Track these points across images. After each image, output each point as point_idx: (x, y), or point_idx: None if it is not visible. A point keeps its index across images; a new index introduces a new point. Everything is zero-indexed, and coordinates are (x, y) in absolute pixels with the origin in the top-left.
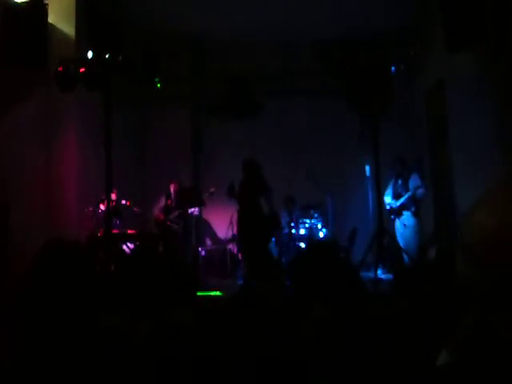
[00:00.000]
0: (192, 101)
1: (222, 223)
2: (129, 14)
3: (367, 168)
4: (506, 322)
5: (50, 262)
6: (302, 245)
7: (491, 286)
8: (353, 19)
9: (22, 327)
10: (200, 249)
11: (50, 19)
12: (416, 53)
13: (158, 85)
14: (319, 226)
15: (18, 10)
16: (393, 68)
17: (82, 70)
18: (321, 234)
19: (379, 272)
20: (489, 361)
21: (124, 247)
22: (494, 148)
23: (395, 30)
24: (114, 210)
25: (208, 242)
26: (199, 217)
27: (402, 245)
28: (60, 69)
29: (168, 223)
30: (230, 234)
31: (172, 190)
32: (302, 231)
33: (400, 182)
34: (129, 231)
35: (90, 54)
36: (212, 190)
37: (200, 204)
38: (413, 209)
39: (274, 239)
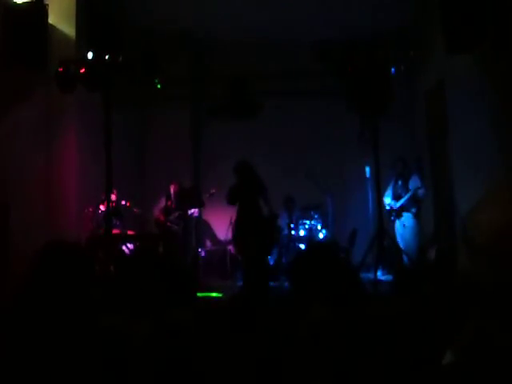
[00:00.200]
0: (192, 101)
1: (222, 224)
2: (129, 14)
3: (367, 169)
4: (501, 328)
5: (49, 262)
6: (302, 246)
7: (495, 282)
8: (353, 19)
9: (22, 327)
10: (200, 250)
11: (51, 20)
12: (416, 53)
13: (158, 85)
14: (319, 227)
15: (19, 11)
16: (393, 69)
17: (82, 70)
18: (321, 235)
19: (379, 273)
20: (487, 363)
21: (124, 248)
22: (494, 148)
23: (395, 30)
24: (114, 211)
25: (208, 242)
26: (199, 218)
27: (401, 246)
28: (60, 69)
29: (168, 224)
30: (229, 235)
31: (172, 190)
32: (302, 232)
33: (400, 182)
34: (129, 232)
35: (90, 55)
36: (212, 191)
37: (200, 205)
38: (413, 210)
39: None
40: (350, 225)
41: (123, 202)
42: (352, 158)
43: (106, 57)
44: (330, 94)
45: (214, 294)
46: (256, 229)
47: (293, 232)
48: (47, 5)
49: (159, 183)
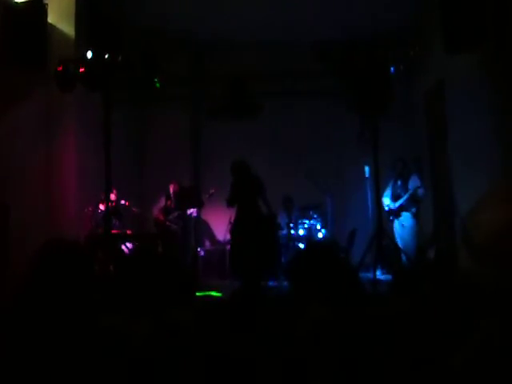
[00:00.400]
0: (192, 101)
1: (221, 224)
2: (128, 14)
3: (366, 168)
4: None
5: (48, 262)
6: (301, 245)
7: (495, 282)
8: (353, 20)
9: (21, 327)
10: (199, 249)
11: (50, 19)
12: (416, 53)
13: (157, 84)
14: (318, 227)
15: (18, 10)
16: (392, 68)
17: (82, 69)
18: (320, 235)
19: (378, 273)
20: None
21: (123, 247)
22: (494, 148)
23: (395, 30)
24: (114, 211)
25: (207, 242)
26: (198, 217)
27: (400, 245)
28: (60, 69)
29: (167, 224)
30: (228, 235)
31: (171, 190)
32: (301, 232)
33: (399, 182)
34: (128, 231)
35: (89, 54)
36: (212, 191)
37: (199, 205)
38: (413, 210)
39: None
40: (350, 224)
41: (122, 202)
42: (351, 158)
43: (106, 56)
44: (330, 94)
45: (213, 294)
46: (255, 228)
47: (292, 231)
48: (47, 4)
49: (158, 183)
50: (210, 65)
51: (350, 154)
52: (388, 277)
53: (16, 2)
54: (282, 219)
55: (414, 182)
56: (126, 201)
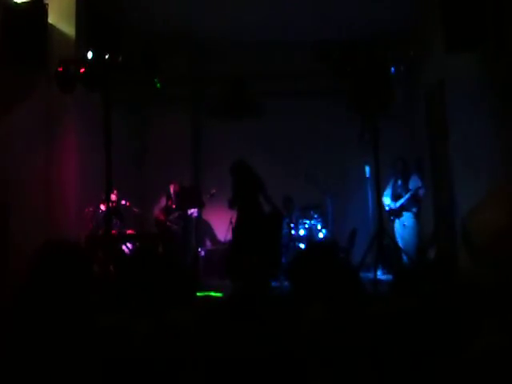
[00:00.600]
0: (192, 101)
1: (222, 224)
2: (129, 14)
3: (367, 168)
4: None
5: (47, 263)
6: (302, 245)
7: (497, 281)
8: (353, 20)
9: (21, 327)
10: (200, 249)
11: (50, 19)
12: (416, 53)
13: (158, 85)
14: (319, 227)
15: (18, 10)
16: (393, 68)
17: (82, 70)
18: (320, 235)
19: (379, 273)
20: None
21: (124, 247)
22: (494, 149)
23: (395, 30)
24: (114, 211)
25: (208, 242)
26: (199, 217)
27: (401, 245)
28: (60, 69)
29: (168, 224)
30: (229, 235)
31: (172, 190)
32: (302, 232)
33: (400, 182)
34: (129, 231)
35: (89, 55)
36: (213, 191)
37: (200, 205)
38: (414, 210)
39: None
40: (350, 224)
41: (123, 202)
42: (352, 158)
43: (106, 57)
44: (330, 94)
45: (214, 294)
46: (257, 228)
47: (293, 232)
48: (47, 4)
49: (159, 183)
50: (210, 65)
51: (350, 154)
52: (389, 277)
53: (16, 3)
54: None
55: (414, 182)
56: (126, 201)
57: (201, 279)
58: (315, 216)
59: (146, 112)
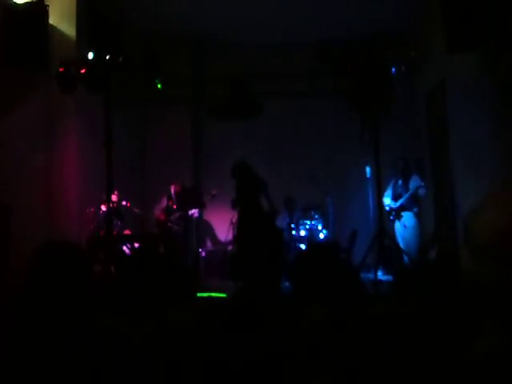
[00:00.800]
0: (192, 101)
1: (223, 224)
2: (129, 14)
3: (367, 169)
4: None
5: (46, 263)
6: (303, 246)
7: (499, 281)
8: (353, 20)
9: (20, 327)
10: (200, 250)
11: (51, 20)
12: (416, 54)
13: (159, 85)
14: (319, 228)
15: (19, 11)
16: (393, 69)
17: (83, 70)
18: (321, 236)
19: (379, 273)
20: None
21: (124, 248)
22: (495, 148)
23: (396, 30)
24: (115, 211)
25: (208, 243)
26: (200, 218)
27: (402, 246)
28: (61, 70)
29: (169, 224)
30: (230, 236)
31: (172, 191)
32: (303, 232)
33: (400, 182)
34: (129, 232)
35: (90, 55)
36: (214, 192)
37: (200, 206)
38: (415, 209)
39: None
40: (351, 225)
41: (124, 203)
42: (352, 159)
43: (107, 57)
44: (331, 94)
45: (218, 295)
46: (258, 229)
47: (293, 232)
48: (48, 5)
49: (160, 183)
50: (211, 65)
51: (350, 154)
52: (389, 277)
53: (17, 3)
54: (283, 220)
55: (414, 182)
56: (127, 201)
57: (201, 280)
58: (316, 216)
59: (146, 112)
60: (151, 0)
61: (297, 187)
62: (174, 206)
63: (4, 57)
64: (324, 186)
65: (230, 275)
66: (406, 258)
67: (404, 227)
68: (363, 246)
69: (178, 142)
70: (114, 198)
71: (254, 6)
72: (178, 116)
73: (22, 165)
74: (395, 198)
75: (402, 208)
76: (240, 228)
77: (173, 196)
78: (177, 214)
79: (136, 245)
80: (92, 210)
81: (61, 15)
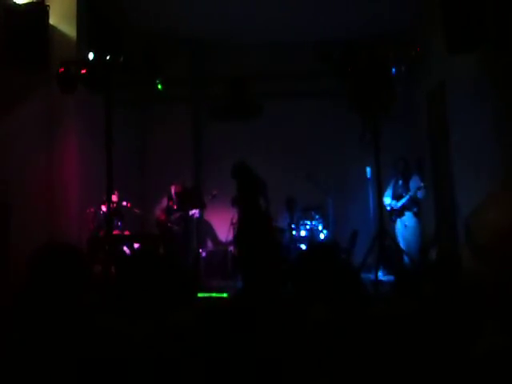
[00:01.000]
0: (193, 102)
1: (223, 225)
2: (129, 15)
3: (368, 169)
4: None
5: (44, 265)
6: (303, 246)
7: (502, 281)
8: (354, 20)
9: (20, 328)
10: (201, 250)
11: (51, 20)
12: (417, 54)
13: (160, 86)
14: (320, 228)
15: (20, 11)
16: (394, 69)
17: (83, 71)
18: (322, 236)
19: (380, 274)
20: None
21: (125, 248)
22: (495, 149)
23: (396, 30)
24: (115, 212)
25: (209, 243)
26: (200, 218)
27: (402, 246)
28: (61, 70)
29: (169, 224)
30: (231, 236)
31: (173, 191)
32: (303, 233)
33: (400, 182)
34: (130, 233)
35: (90, 56)
36: (214, 192)
37: (201, 206)
38: (415, 209)
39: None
40: (351, 225)
41: (124, 203)
42: (353, 159)
43: (107, 57)
44: (331, 94)
45: (219, 295)
46: (257, 230)
47: (294, 232)
48: (48, 5)
49: (160, 183)
50: (211, 65)
51: (351, 154)
52: (390, 278)
53: (18, 4)
54: (284, 220)
55: (415, 182)
56: (127, 202)
57: (202, 280)
58: (316, 217)
59: (146, 112)
60: (151, 0)
61: (297, 187)
62: (175, 207)
63: (4, 57)
64: (324, 186)
65: (237, 273)
66: (406, 259)
67: (404, 227)
68: (364, 246)
69: (178, 142)
70: (114, 198)
71: (254, 6)
72: (178, 116)
73: (22, 165)
74: (396, 199)
75: (404, 207)
76: (239, 228)
77: (173, 196)
78: (177, 215)
79: (136, 245)
80: (92, 210)
81: (61, 15)
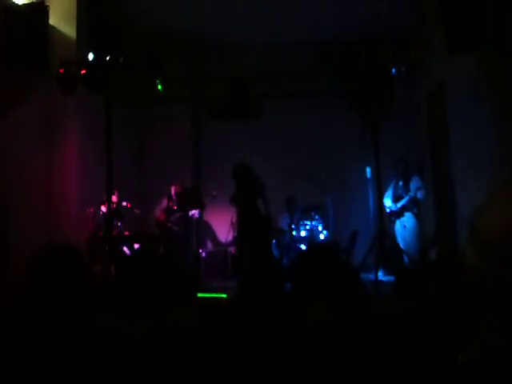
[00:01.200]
0: (192, 102)
1: (223, 225)
2: (129, 15)
3: (368, 170)
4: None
5: (42, 266)
6: (303, 246)
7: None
8: (354, 20)
9: (20, 328)
10: (201, 251)
11: (51, 21)
12: (417, 54)
13: (159, 86)
14: (320, 228)
15: (19, 12)
16: (393, 69)
17: (83, 71)
18: (321, 236)
19: (380, 274)
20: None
21: (125, 249)
22: (495, 149)
23: (396, 31)
24: (115, 212)
25: (209, 243)
26: (200, 219)
27: (402, 246)
28: (61, 70)
29: (169, 225)
30: (230, 236)
31: (173, 191)
32: (303, 233)
33: (401, 183)
34: (130, 233)
35: (90, 56)
36: (214, 193)
37: (201, 206)
38: (415, 210)
39: (274, 241)
40: (351, 225)
41: (124, 203)
42: (353, 159)
43: (107, 58)
44: (331, 95)
45: (218, 295)
46: (253, 230)
47: (294, 233)
48: (48, 6)
49: (160, 184)
50: (211, 65)
51: (351, 154)
52: (390, 278)
53: (17, 4)
54: (284, 220)
55: (415, 183)
56: (127, 202)
57: (202, 280)
58: (316, 217)
59: (146, 112)
60: (151, 0)
61: (297, 187)
62: (175, 207)
63: (4, 57)
64: (324, 187)
65: (235, 274)
66: (406, 259)
67: (404, 227)
68: (363, 246)
69: (178, 143)
70: (113, 198)
71: (254, 6)
72: (178, 116)
73: (22, 165)
74: (396, 200)
75: (403, 209)
76: (238, 229)
77: (173, 197)
78: (177, 215)
79: (136, 245)
80: (92, 210)
81: (61, 16)
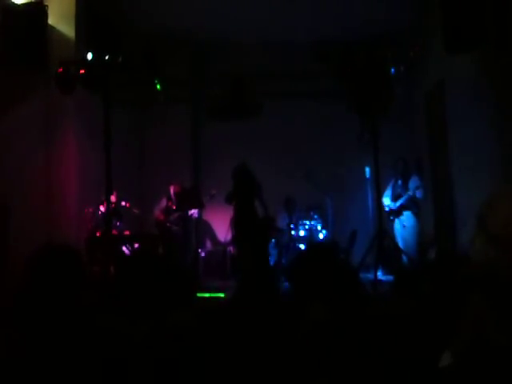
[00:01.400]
0: (192, 101)
1: (222, 225)
2: (129, 15)
3: (367, 169)
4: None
5: (42, 266)
6: (302, 246)
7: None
8: (353, 20)
9: (19, 328)
10: (200, 250)
11: (50, 21)
12: (416, 54)
13: (158, 86)
14: (319, 228)
15: (18, 12)
16: (392, 69)
17: (82, 71)
18: (320, 236)
19: (379, 273)
20: (488, 363)
21: (124, 248)
22: (494, 149)
23: (395, 31)
24: (114, 212)
25: (208, 243)
26: (199, 218)
27: (401, 246)
28: (60, 70)
29: (168, 224)
30: (229, 236)
31: (172, 191)
32: (302, 233)
33: (400, 182)
34: (128, 233)
35: (89, 56)
36: (213, 192)
37: (200, 206)
38: (415, 209)
39: (273, 241)
40: (350, 225)
41: (123, 203)
42: (352, 159)
43: (106, 58)
44: (330, 94)
45: (216, 295)
46: (250, 231)
47: (293, 232)
48: (47, 6)
49: (159, 184)
50: (210, 65)
51: (350, 154)
52: (389, 277)
53: (16, 4)
54: (283, 220)
55: (414, 183)
56: (126, 202)
57: (201, 280)
58: (315, 217)
59: (146, 112)
60: (151, 0)
61: (296, 187)
62: (174, 207)
63: (3, 57)
64: (323, 186)
65: (233, 273)
66: (405, 258)
67: (403, 227)
68: (363, 246)
69: (177, 142)
70: (112, 198)
71: (253, 6)
72: (178, 116)
73: (21, 165)
74: (395, 199)
75: (403, 208)
76: (234, 229)
77: (172, 196)
78: (176, 215)
79: (135, 245)
80: (90, 210)
81: (60, 15)
